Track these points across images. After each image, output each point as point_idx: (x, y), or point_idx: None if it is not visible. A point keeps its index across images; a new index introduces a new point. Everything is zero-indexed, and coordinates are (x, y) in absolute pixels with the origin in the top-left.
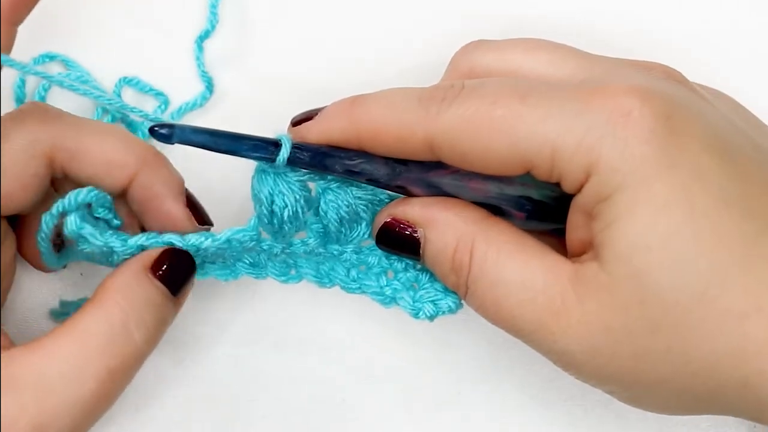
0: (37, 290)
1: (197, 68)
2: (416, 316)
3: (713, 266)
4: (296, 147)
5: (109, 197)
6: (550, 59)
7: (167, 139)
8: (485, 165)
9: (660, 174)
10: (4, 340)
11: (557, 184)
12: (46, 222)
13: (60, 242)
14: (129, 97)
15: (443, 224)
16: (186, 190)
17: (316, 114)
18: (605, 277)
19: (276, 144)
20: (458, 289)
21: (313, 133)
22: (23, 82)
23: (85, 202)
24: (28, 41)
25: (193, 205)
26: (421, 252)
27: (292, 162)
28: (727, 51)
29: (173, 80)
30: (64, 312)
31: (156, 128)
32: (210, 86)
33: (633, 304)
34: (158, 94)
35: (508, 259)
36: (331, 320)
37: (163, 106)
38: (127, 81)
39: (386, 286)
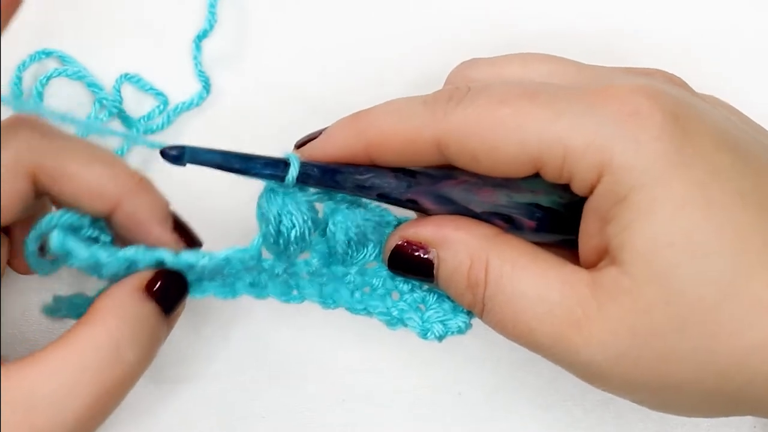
0: (35, 289)
1: (194, 68)
2: (425, 336)
3: (736, 260)
4: (305, 164)
5: (88, 218)
6: (549, 70)
7: (178, 160)
8: (494, 164)
9: (675, 171)
10: None
11: (566, 189)
12: (28, 245)
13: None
14: (128, 95)
15: (456, 243)
16: (172, 212)
17: (319, 134)
18: (626, 280)
19: (285, 163)
20: (474, 307)
21: (319, 150)
22: (20, 79)
23: (60, 225)
24: (27, 39)
25: (180, 228)
26: (435, 273)
27: (302, 180)
28: (727, 52)
29: (171, 79)
30: (56, 308)
31: (166, 150)
32: (207, 86)
33: (657, 305)
34: (158, 94)
35: (524, 272)
36: (330, 321)
37: (162, 106)
38: (128, 77)
39: (392, 307)
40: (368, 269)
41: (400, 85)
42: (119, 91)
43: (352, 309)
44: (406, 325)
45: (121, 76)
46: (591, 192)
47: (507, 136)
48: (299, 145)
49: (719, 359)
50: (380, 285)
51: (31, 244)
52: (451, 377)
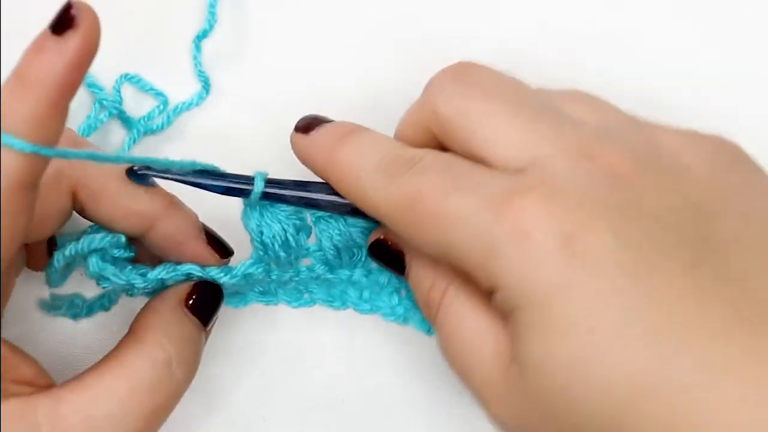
0: (38, 289)
1: (194, 67)
2: (429, 332)
3: (621, 387)
4: (271, 183)
5: (123, 239)
6: (496, 138)
7: (142, 180)
8: (413, 245)
9: (557, 297)
10: (42, 379)
11: None
12: (58, 260)
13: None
14: (128, 95)
15: (426, 262)
16: (203, 225)
17: (318, 124)
18: (524, 388)
19: (250, 181)
20: (430, 320)
21: (300, 153)
22: None
23: (100, 248)
24: (28, 40)
25: (213, 240)
26: (406, 273)
27: (271, 197)
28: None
29: (171, 79)
30: (54, 306)
31: (133, 169)
32: (207, 85)
33: (550, 416)
34: (158, 94)
35: (473, 313)
36: (329, 320)
37: (162, 106)
38: (128, 78)
39: (398, 305)
40: (374, 269)
41: (400, 83)
42: (119, 92)
43: (359, 309)
44: (411, 323)
45: (121, 77)
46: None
47: (419, 227)
48: (299, 128)
49: None
50: (387, 282)
51: (60, 260)
52: (451, 377)
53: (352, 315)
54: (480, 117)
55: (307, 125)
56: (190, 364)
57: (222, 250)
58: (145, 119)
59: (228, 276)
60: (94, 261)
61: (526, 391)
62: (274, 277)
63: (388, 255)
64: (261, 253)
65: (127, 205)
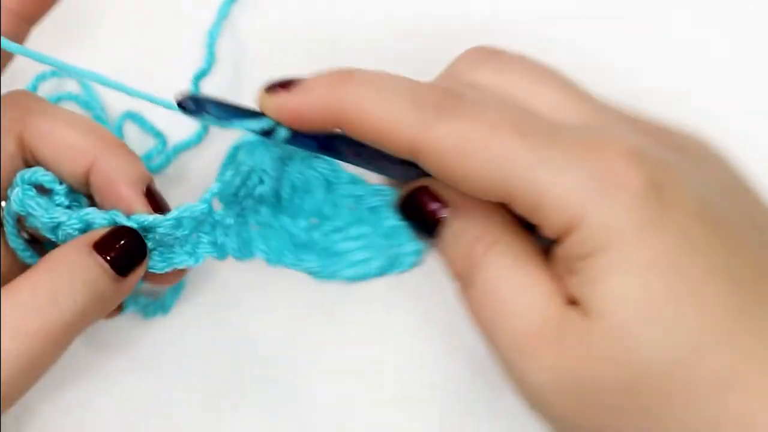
0: None
1: None
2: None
3: (696, 333)
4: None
5: (55, 178)
6: (552, 100)
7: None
8: (466, 186)
9: (645, 237)
10: None
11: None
12: (8, 211)
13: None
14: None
15: (475, 215)
16: (149, 179)
17: (292, 84)
18: (586, 330)
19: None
20: (461, 279)
21: (292, 109)
22: (35, 88)
23: (31, 182)
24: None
25: (151, 194)
26: (437, 231)
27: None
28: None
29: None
30: None
31: (182, 101)
32: (205, 126)
33: (610, 360)
34: (157, 134)
35: (515, 273)
36: (327, 317)
37: (160, 146)
38: (130, 115)
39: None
40: (313, 225)
41: None
42: (121, 130)
43: (290, 264)
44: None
45: (123, 114)
46: (558, 240)
47: (487, 167)
48: (269, 88)
49: (665, 428)
50: (321, 239)
51: (10, 212)
52: (452, 376)
53: (348, 310)
54: (528, 89)
55: (285, 82)
56: (83, 301)
57: (158, 206)
58: (145, 159)
59: (153, 219)
60: (16, 192)
61: (587, 333)
62: (218, 219)
63: (423, 211)
64: (230, 190)
65: (68, 141)
